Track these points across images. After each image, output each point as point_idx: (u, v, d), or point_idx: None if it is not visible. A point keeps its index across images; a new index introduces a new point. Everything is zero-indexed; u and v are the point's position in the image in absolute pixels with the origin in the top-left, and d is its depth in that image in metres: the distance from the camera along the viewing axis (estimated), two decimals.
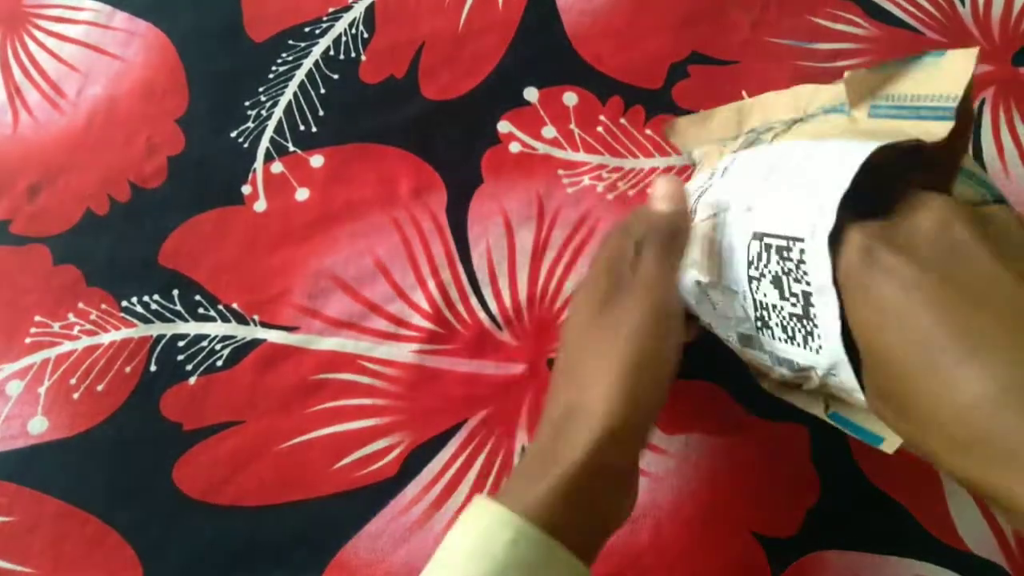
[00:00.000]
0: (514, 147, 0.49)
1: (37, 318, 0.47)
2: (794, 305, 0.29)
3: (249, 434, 0.43)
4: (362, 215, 0.48)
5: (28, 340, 0.46)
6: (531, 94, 0.50)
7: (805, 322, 0.29)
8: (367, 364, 0.44)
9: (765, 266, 0.30)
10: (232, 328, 0.46)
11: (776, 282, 0.30)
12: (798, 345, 0.30)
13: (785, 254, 0.29)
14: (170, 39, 0.55)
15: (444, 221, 0.47)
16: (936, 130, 0.28)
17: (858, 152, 0.28)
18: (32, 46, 0.56)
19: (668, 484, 0.41)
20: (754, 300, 0.31)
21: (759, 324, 0.32)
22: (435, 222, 0.47)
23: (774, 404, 0.41)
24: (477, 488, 0.41)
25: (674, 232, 0.33)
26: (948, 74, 0.29)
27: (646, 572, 0.39)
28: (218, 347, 0.45)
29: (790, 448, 0.41)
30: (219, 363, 0.45)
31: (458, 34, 0.53)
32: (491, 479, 0.41)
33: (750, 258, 0.31)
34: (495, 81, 0.51)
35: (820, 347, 0.29)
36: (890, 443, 0.30)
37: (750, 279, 0.31)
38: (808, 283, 0.28)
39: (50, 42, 0.56)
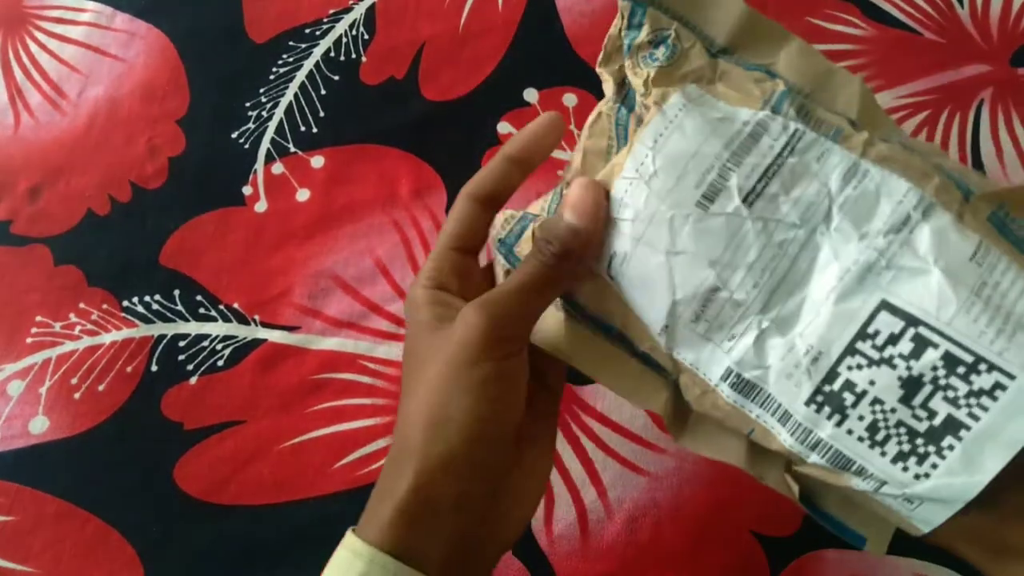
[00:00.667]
0: None
1: (38, 318, 0.47)
2: (919, 420, 0.24)
3: (250, 434, 0.43)
4: (362, 216, 0.48)
5: (29, 340, 0.46)
6: (531, 95, 0.51)
7: (921, 443, 0.25)
8: (367, 364, 0.44)
9: (900, 358, 0.25)
10: (233, 328, 0.46)
11: (908, 384, 0.25)
12: (884, 454, 0.25)
13: (955, 369, 0.24)
14: (171, 40, 0.55)
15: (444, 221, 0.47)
16: None
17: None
18: (33, 47, 0.56)
19: (668, 484, 0.41)
20: (831, 370, 0.25)
21: (817, 399, 0.26)
22: (435, 222, 0.47)
23: None
24: None
25: (561, 254, 0.27)
26: None
27: (646, 571, 0.39)
28: (219, 347, 0.45)
29: None
30: (220, 363, 0.45)
31: (458, 35, 0.53)
32: None
33: (870, 329, 0.25)
34: (495, 82, 0.51)
35: (929, 474, 0.24)
36: (876, 546, 0.27)
37: (852, 347, 0.25)
38: (975, 419, 0.24)
39: (51, 43, 0.56)
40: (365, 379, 0.44)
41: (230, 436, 0.43)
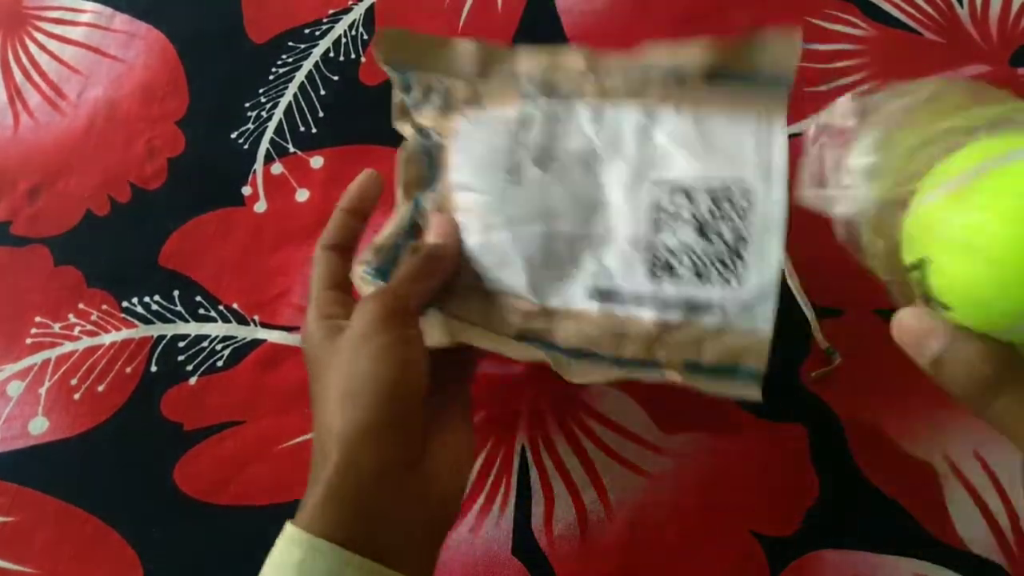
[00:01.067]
0: None
1: (38, 319, 0.47)
2: (718, 246, 0.34)
3: (249, 434, 0.43)
4: None
5: (29, 341, 0.46)
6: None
7: (728, 260, 0.33)
8: None
9: (686, 211, 0.34)
10: (232, 328, 0.46)
11: (700, 227, 0.34)
12: (711, 283, 0.34)
13: (720, 202, 0.34)
14: (170, 41, 0.55)
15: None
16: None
17: (763, 123, 0.34)
18: (33, 48, 0.56)
19: (668, 484, 0.41)
20: (649, 244, 0.34)
21: (653, 271, 0.34)
22: None
23: (774, 404, 0.42)
24: (477, 487, 0.41)
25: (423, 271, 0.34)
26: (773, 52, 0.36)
27: (646, 571, 0.39)
28: (218, 347, 0.45)
29: (790, 448, 0.41)
30: (219, 363, 0.45)
31: (457, 35, 0.53)
32: (490, 478, 0.41)
33: (659, 204, 0.35)
34: None
35: (740, 280, 0.33)
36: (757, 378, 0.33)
37: (654, 222, 0.35)
38: (748, 221, 0.33)
39: (51, 44, 0.56)
40: None
41: (230, 436, 0.43)
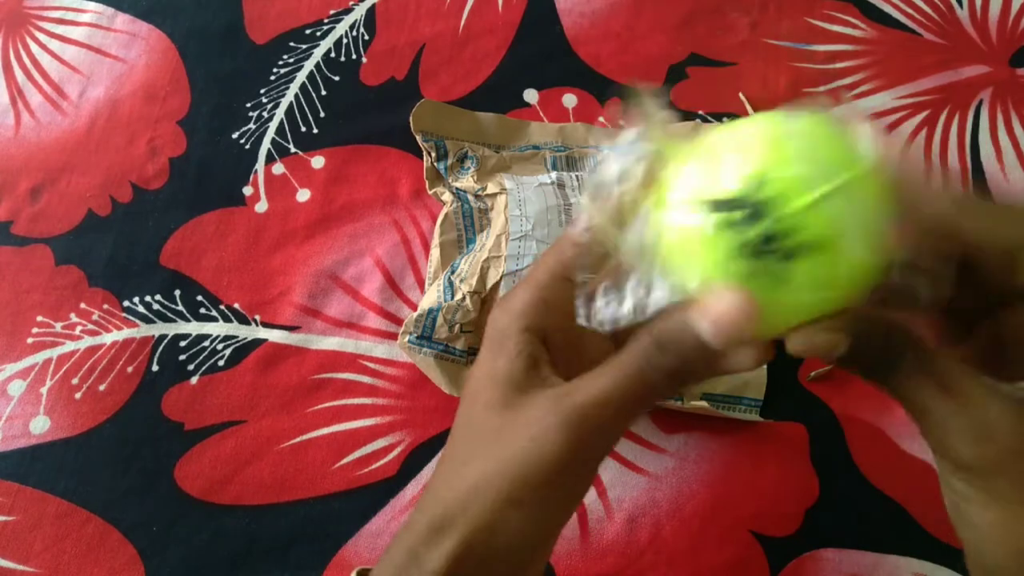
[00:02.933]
0: None
1: (39, 318, 0.47)
2: None
3: (250, 433, 0.43)
4: (362, 215, 0.48)
5: (30, 340, 0.46)
6: (531, 95, 0.51)
7: None
8: (367, 364, 0.44)
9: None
10: (233, 328, 0.46)
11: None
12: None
13: None
14: (172, 41, 0.55)
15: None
16: None
17: None
18: (34, 48, 0.56)
19: (668, 483, 0.41)
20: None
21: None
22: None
23: (774, 404, 0.42)
24: None
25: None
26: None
27: (646, 571, 0.39)
28: (220, 347, 0.45)
29: (789, 448, 0.41)
30: (220, 363, 0.45)
31: (458, 36, 0.53)
32: None
33: None
34: (495, 83, 0.51)
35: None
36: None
37: None
38: None
39: (52, 44, 0.56)
40: (365, 379, 0.44)
41: (230, 436, 0.43)
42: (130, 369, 0.45)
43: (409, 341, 0.42)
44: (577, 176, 0.44)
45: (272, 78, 0.53)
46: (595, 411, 0.23)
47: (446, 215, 0.45)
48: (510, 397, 0.25)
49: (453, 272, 0.43)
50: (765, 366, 0.40)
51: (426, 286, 0.45)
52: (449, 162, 0.46)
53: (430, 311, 0.42)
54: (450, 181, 0.46)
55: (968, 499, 0.23)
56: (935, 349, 0.23)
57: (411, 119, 0.47)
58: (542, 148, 0.47)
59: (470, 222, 0.45)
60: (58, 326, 0.47)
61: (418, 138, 0.47)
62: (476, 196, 0.45)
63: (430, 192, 0.47)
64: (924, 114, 0.48)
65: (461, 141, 0.47)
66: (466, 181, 0.45)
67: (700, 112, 0.49)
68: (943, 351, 0.23)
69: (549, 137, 0.48)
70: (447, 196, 0.46)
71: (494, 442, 0.25)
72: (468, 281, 0.41)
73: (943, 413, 0.22)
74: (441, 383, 0.41)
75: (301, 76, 0.53)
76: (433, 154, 0.47)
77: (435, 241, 0.45)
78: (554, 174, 0.45)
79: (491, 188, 0.45)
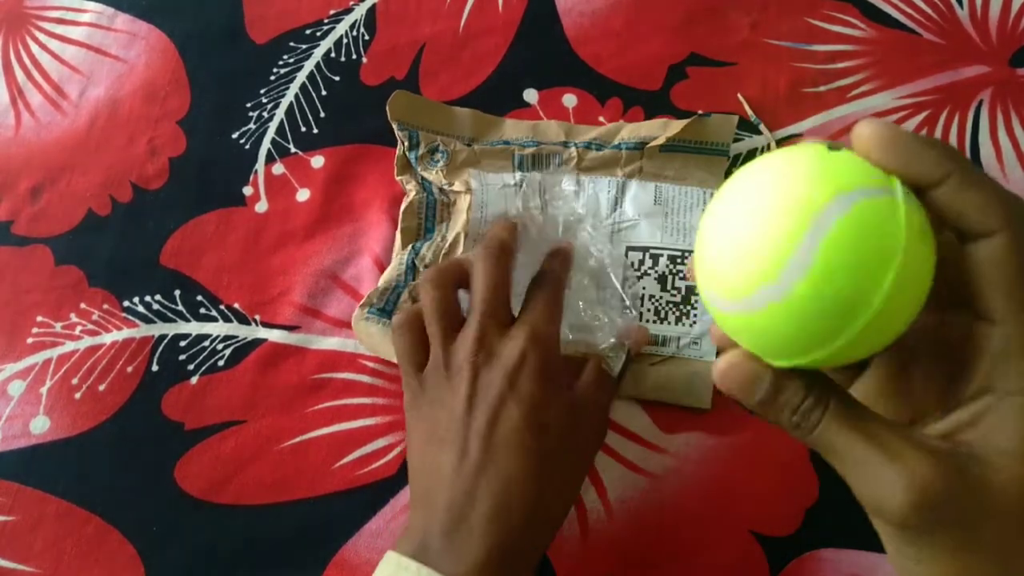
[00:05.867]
0: None
1: (39, 318, 0.47)
2: (674, 296, 0.44)
3: (250, 433, 0.43)
4: (362, 215, 0.48)
5: (30, 340, 0.46)
6: (531, 95, 0.51)
7: (682, 308, 0.44)
8: (367, 363, 0.44)
9: (651, 269, 0.44)
10: (233, 328, 0.46)
11: (662, 280, 0.44)
12: (669, 323, 0.44)
13: (675, 262, 0.44)
14: (172, 41, 0.55)
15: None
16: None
17: (713, 189, 0.45)
18: (34, 48, 0.56)
19: (668, 483, 0.41)
20: (623, 293, 0.44)
21: (624, 310, 0.43)
22: None
23: None
24: None
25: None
26: (715, 127, 0.47)
27: (646, 571, 0.39)
28: (219, 347, 0.45)
29: (789, 447, 0.41)
30: (220, 363, 0.45)
31: (458, 36, 0.53)
32: None
33: (629, 262, 0.45)
34: (495, 82, 0.51)
35: (695, 322, 0.43)
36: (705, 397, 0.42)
37: (625, 276, 0.44)
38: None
39: (52, 44, 0.56)
40: (365, 378, 0.44)
41: (230, 436, 0.43)
42: (130, 369, 0.45)
43: (369, 312, 0.43)
44: (540, 178, 0.46)
45: (272, 78, 0.53)
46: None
47: (409, 203, 0.46)
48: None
49: (416, 255, 0.45)
50: (713, 353, 0.42)
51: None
52: (420, 152, 0.47)
53: (396, 287, 0.44)
54: (419, 171, 0.47)
55: (907, 556, 0.23)
56: (855, 401, 0.23)
57: (387, 108, 0.48)
58: (512, 144, 0.47)
59: (432, 212, 0.46)
60: (58, 326, 0.47)
61: (394, 126, 0.48)
62: (441, 190, 0.47)
63: (397, 179, 0.47)
64: (924, 114, 0.48)
65: (434, 133, 0.48)
66: (434, 174, 0.46)
67: (700, 112, 0.49)
68: (859, 403, 0.23)
69: (522, 133, 0.48)
70: (412, 185, 0.47)
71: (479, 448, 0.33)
72: (432, 266, 0.44)
73: (872, 467, 0.22)
74: (391, 355, 0.43)
75: (301, 76, 0.53)
76: (406, 143, 0.47)
77: (399, 226, 0.46)
78: (519, 174, 0.46)
79: (457, 186, 0.46)
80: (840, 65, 0.50)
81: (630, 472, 0.41)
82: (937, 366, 0.24)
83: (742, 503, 0.40)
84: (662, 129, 0.46)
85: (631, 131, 0.47)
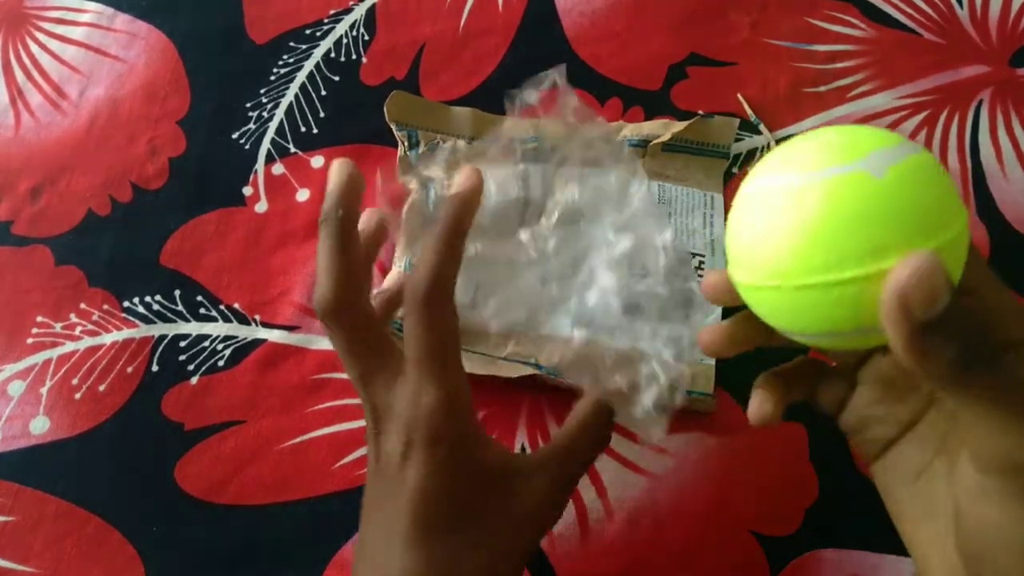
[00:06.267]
0: None
1: (39, 318, 0.47)
2: (678, 293, 0.41)
3: (250, 433, 0.43)
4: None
5: (30, 340, 0.46)
6: (531, 95, 0.51)
7: (685, 305, 0.41)
8: None
9: (655, 265, 0.41)
10: (233, 328, 0.46)
11: (665, 277, 0.41)
12: (671, 322, 0.41)
13: (681, 260, 0.42)
14: (172, 41, 0.55)
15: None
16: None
17: (713, 192, 0.46)
18: (34, 48, 0.56)
19: (668, 483, 0.41)
20: (624, 290, 0.42)
21: (627, 308, 0.41)
22: None
23: None
24: None
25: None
26: (716, 129, 0.47)
27: (646, 571, 0.39)
28: (219, 347, 0.45)
29: (789, 447, 0.41)
30: (220, 363, 0.45)
31: (458, 36, 0.53)
32: None
33: (635, 260, 0.42)
34: (495, 83, 0.51)
35: (692, 323, 0.41)
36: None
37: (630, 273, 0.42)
38: (698, 279, 0.40)
39: (52, 44, 0.56)
40: None
41: (230, 436, 0.43)
42: (130, 369, 0.45)
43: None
44: (542, 170, 0.45)
45: (272, 78, 0.53)
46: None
47: (412, 202, 0.46)
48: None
49: (415, 257, 0.45)
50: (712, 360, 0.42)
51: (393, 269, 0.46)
52: (421, 150, 0.47)
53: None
54: (420, 168, 0.47)
55: (985, 497, 0.23)
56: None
57: (385, 109, 0.48)
58: (514, 141, 0.47)
59: (434, 211, 0.46)
60: (58, 326, 0.47)
61: (392, 127, 0.48)
62: (444, 186, 0.46)
63: (400, 180, 0.48)
64: (924, 114, 0.48)
65: (434, 132, 0.48)
66: (436, 170, 0.46)
67: (700, 112, 0.49)
68: None
69: (523, 131, 0.48)
70: (414, 184, 0.47)
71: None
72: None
73: (973, 408, 0.22)
74: None
75: (301, 76, 0.53)
76: (406, 143, 0.48)
77: (402, 228, 0.46)
78: (522, 166, 0.46)
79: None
80: (840, 65, 0.50)
81: (630, 472, 0.41)
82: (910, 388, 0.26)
83: (742, 503, 0.40)
84: (664, 129, 0.47)
85: (633, 129, 0.47)
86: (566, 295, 0.42)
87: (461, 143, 0.48)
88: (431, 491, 0.27)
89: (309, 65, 0.53)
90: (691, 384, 0.42)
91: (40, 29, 0.57)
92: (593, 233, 0.43)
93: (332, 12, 0.55)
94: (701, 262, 0.44)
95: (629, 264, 0.42)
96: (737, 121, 0.47)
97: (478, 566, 0.28)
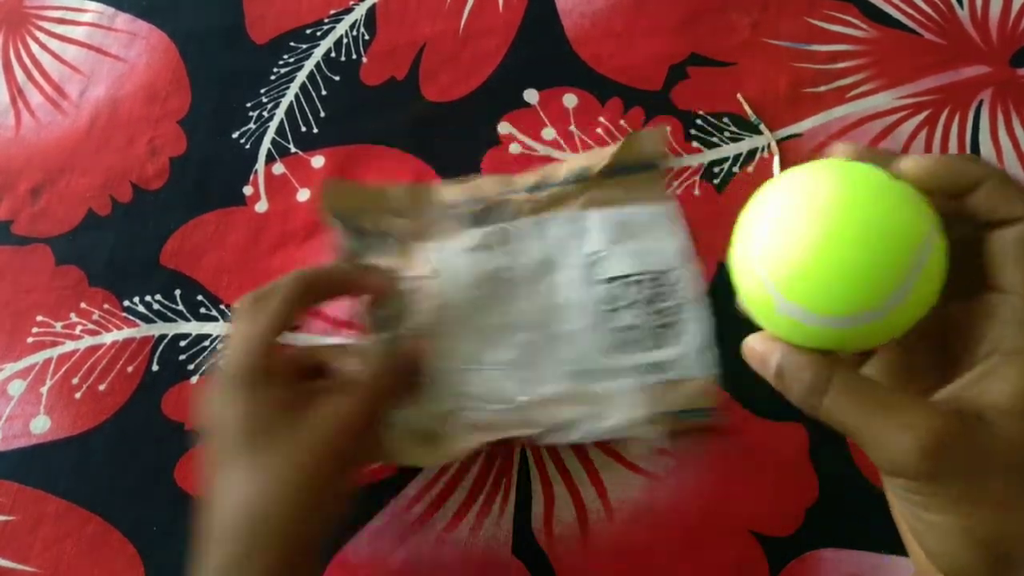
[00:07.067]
0: (514, 148, 0.49)
1: (39, 318, 0.47)
2: (662, 319, 0.42)
3: None
4: None
5: (30, 340, 0.46)
6: (531, 96, 0.51)
7: (672, 327, 0.42)
8: None
9: (631, 296, 0.43)
10: None
11: (649, 305, 0.43)
12: (666, 347, 0.42)
13: (656, 281, 0.43)
14: (172, 41, 0.55)
15: None
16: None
17: (663, 204, 0.45)
18: (34, 47, 0.56)
19: (667, 483, 0.41)
20: (609, 329, 0.42)
21: (617, 346, 0.42)
22: None
23: (774, 404, 0.42)
24: (477, 486, 0.41)
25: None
26: (648, 142, 0.46)
27: (645, 571, 0.39)
28: (220, 347, 0.45)
29: (789, 447, 0.41)
30: (221, 363, 0.45)
31: (458, 36, 0.53)
32: (491, 478, 0.41)
33: (612, 296, 0.43)
34: (495, 83, 0.51)
35: (686, 340, 0.42)
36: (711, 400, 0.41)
37: (610, 308, 0.43)
38: (679, 295, 0.43)
39: (52, 43, 0.56)
40: None
41: None
42: (130, 369, 0.45)
43: None
44: (500, 227, 0.45)
45: (272, 78, 0.53)
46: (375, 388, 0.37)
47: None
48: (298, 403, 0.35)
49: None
50: (716, 367, 0.41)
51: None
52: (368, 241, 0.45)
53: None
54: (367, 257, 0.45)
55: (925, 507, 0.24)
56: (858, 373, 0.25)
57: (321, 199, 0.45)
58: (455, 209, 0.46)
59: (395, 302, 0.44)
60: (58, 326, 0.47)
61: (330, 221, 0.45)
62: (401, 277, 0.43)
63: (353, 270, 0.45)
64: (924, 114, 0.48)
65: (374, 214, 0.45)
66: (390, 260, 0.44)
67: (700, 112, 0.49)
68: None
69: (460, 196, 0.46)
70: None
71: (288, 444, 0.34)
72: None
73: (883, 427, 0.23)
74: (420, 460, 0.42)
75: (301, 76, 0.53)
76: (347, 236, 0.45)
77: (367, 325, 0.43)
78: (477, 232, 0.44)
79: (419, 268, 0.44)
80: (840, 65, 0.50)
81: (630, 472, 0.41)
82: (938, 348, 0.26)
83: (742, 503, 0.40)
84: (600, 156, 0.46)
85: (569, 167, 0.46)
86: (552, 350, 0.42)
87: (404, 222, 0.45)
88: (229, 419, 0.33)
89: (309, 65, 0.53)
90: (697, 399, 0.41)
91: (41, 29, 0.57)
92: (563, 282, 0.44)
93: (332, 12, 0.55)
94: (672, 276, 0.43)
95: (610, 300, 0.43)
96: (666, 129, 0.47)
97: (278, 477, 0.32)
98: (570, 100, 0.50)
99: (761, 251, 0.24)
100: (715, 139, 0.48)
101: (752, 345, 0.26)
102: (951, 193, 0.24)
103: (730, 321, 0.40)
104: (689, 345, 0.42)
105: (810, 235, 0.23)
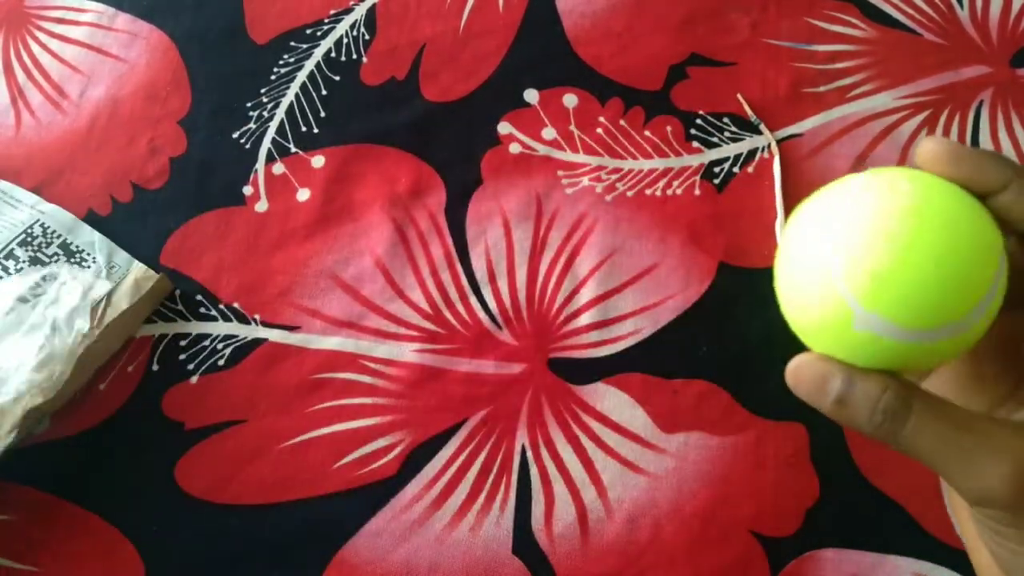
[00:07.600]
0: (514, 148, 0.49)
1: None
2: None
3: (250, 433, 0.43)
4: (362, 215, 0.48)
5: None
6: (531, 95, 0.51)
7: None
8: (368, 363, 0.44)
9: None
10: (233, 327, 0.46)
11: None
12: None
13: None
14: (172, 40, 0.55)
15: (443, 221, 0.47)
16: None
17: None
18: (35, 47, 0.56)
19: (668, 483, 0.41)
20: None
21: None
22: (434, 222, 0.48)
23: (774, 404, 0.42)
24: (477, 486, 0.41)
25: None
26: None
27: (646, 571, 0.39)
28: (220, 346, 0.45)
29: (790, 448, 0.41)
30: (221, 362, 0.45)
31: (459, 36, 0.53)
32: (491, 477, 0.41)
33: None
34: (495, 83, 0.51)
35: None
36: None
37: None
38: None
39: (53, 43, 0.56)
40: (365, 378, 0.44)
41: (231, 435, 0.43)
42: (130, 368, 0.45)
43: None
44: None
45: (272, 78, 0.53)
46: None
47: None
48: None
49: None
50: None
51: None
52: None
53: None
54: None
55: (1008, 538, 0.22)
56: (935, 395, 0.23)
57: None
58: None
59: None
60: None
61: None
62: None
63: None
64: (925, 114, 0.48)
65: None
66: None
67: (700, 112, 0.49)
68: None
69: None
70: None
71: None
72: None
73: (972, 455, 0.21)
74: None
75: (301, 76, 0.53)
76: None
77: None
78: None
79: None
80: (840, 65, 0.50)
81: (630, 472, 0.41)
82: (1008, 360, 0.25)
83: (742, 503, 0.40)
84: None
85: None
86: None
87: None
88: None
89: (310, 65, 0.53)
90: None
91: (41, 29, 0.57)
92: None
93: (332, 12, 0.55)
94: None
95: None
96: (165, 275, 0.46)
97: None
98: (570, 100, 0.50)
99: (840, 257, 0.21)
100: (715, 139, 0.48)
101: (802, 366, 0.22)
102: (974, 190, 0.22)
103: (731, 321, 0.40)
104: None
105: (902, 240, 0.21)
